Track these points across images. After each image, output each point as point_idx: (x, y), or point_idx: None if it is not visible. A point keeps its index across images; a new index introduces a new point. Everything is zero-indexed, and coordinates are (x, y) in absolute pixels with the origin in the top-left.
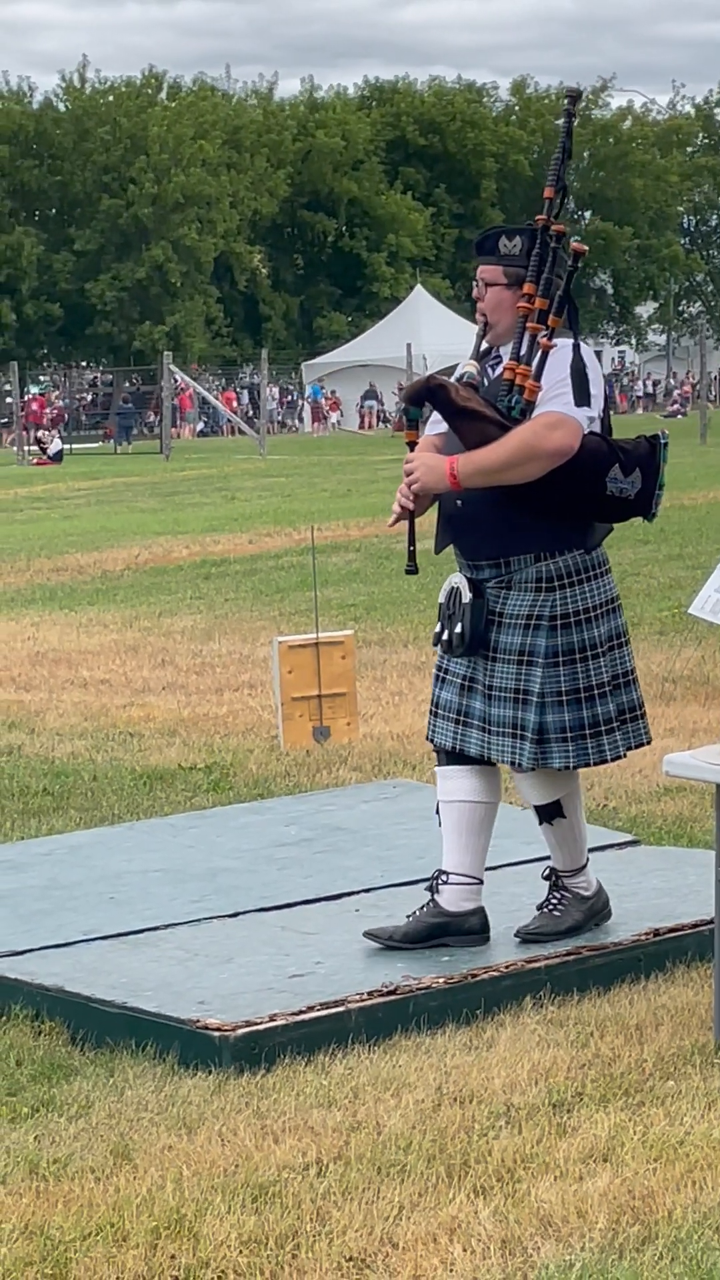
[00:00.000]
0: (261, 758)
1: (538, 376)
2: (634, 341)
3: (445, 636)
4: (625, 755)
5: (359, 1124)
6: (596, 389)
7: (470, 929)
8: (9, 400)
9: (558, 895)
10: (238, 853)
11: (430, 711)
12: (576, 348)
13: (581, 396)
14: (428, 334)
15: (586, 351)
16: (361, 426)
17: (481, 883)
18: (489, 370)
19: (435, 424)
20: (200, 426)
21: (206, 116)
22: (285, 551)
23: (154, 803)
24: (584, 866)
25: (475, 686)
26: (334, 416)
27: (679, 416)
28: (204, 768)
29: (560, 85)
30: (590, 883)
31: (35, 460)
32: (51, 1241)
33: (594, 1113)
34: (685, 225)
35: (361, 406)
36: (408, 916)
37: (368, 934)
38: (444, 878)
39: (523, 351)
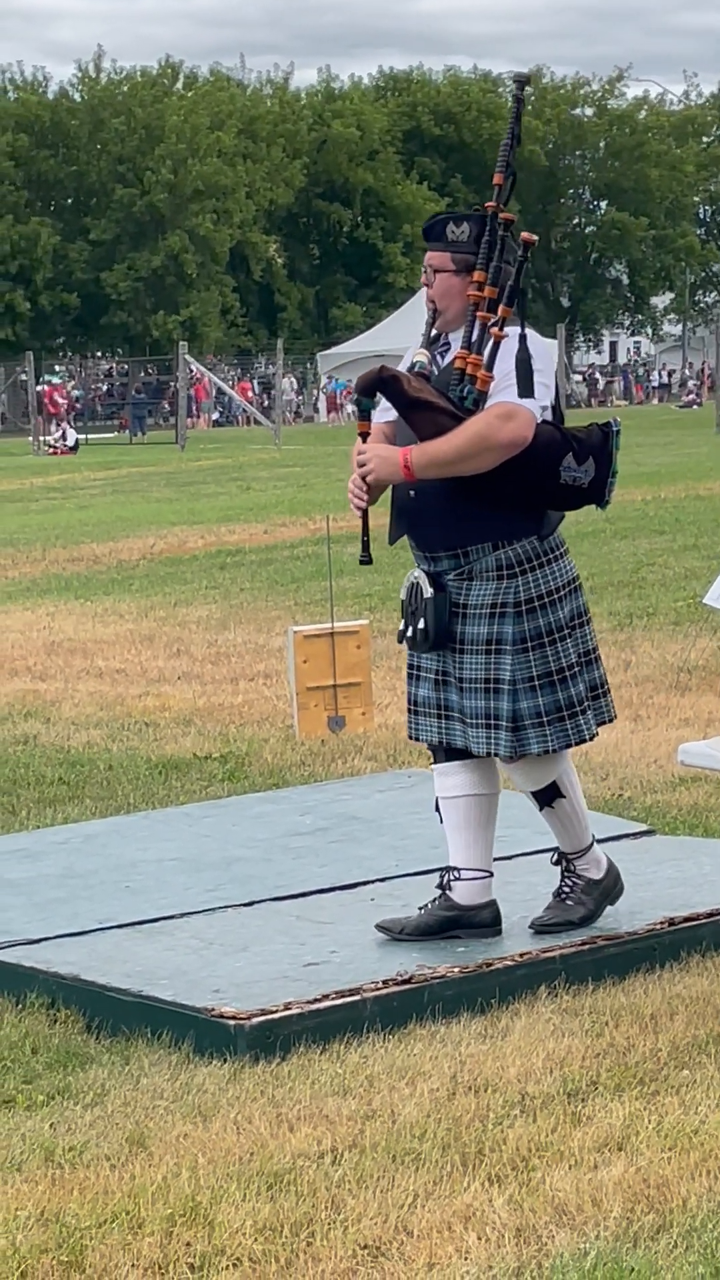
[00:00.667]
0: (277, 747)
1: (489, 366)
2: (650, 332)
3: (409, 633)
4: (597, 734)
5: (374, 1112)
6: (547, 378)
7: (482, 922)
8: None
9: (570, 882)
10: (253, 842)
11: (409, 710)
12: (523, 338)
13: (525, 388)
14: None
15: (535, 341)
16: None
17: (492, 875)
18: (439, 358)
19: (385, 411)
20: (215, 416)
21: (222, 107)
22: (300, 541)
23: (169, 792)
24: (590, 846)
25: (449, 680)
26: (350, 407)
27: (694, 407)
28: (219, 757)
29: (576, 75)
30: (599, 862)
31: (51, 450)
32: (67, 1229)
33: (609, 1102)
34: (701, 215)
35: None
36: (420, 909)
37: (379, 926)
38: (455, 874)
39: (473, 340)
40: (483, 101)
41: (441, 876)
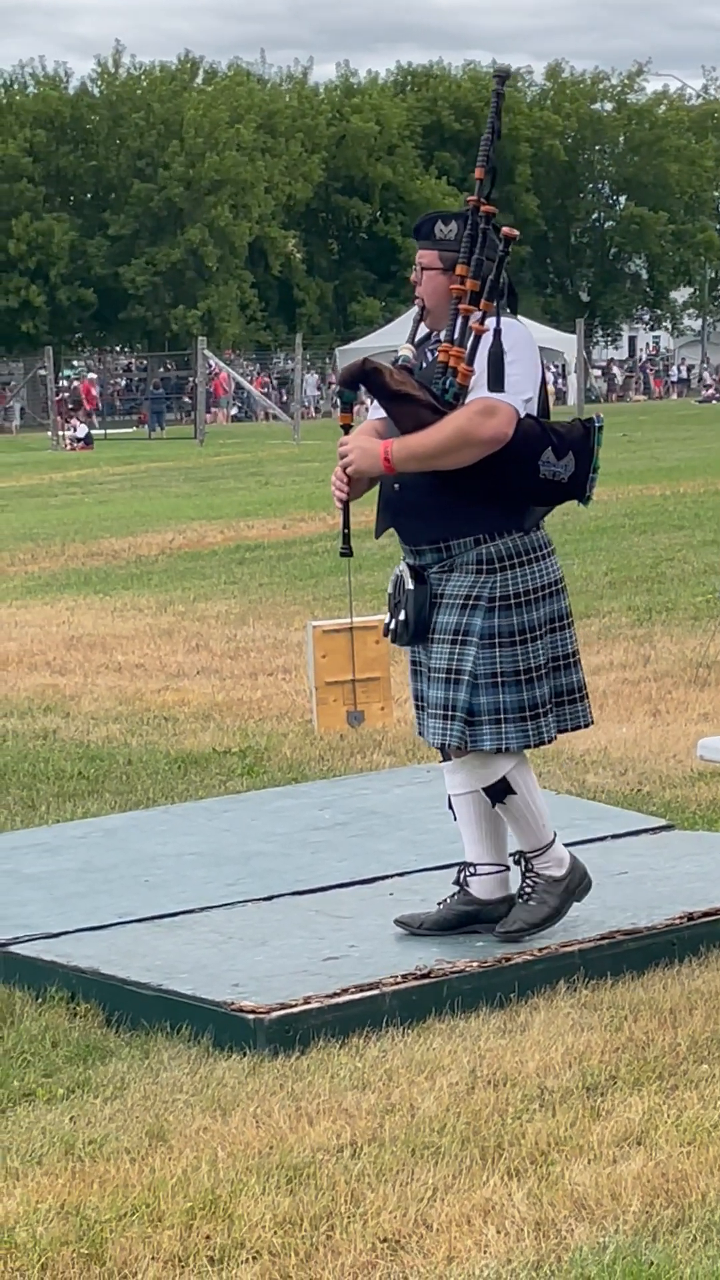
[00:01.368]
0: (296, 742)
1: (470, 360)
2: (669, 327)
3: (392, 625)
4: (556, 738)
5: (393, 1106)
6: (525, 371)
7: (501, 917)
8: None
9: (530, 882)
10: (272, 836)
11: (415, 706)
12: (498, 332)
13: (495, 382)
14: None
15: (513, 335)
16: None
17: (509, 869)
18: (427, 354)
19: (378, 409)
20: (234, 411)
21: (241, 101)
22: (319, 536)
23: (189, 786)
24: (550, 844)
25: (422, 671)
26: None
27: (714, 401)
28: (238, 752)
29: (595, 70)
30: (561, 860)
31: (69, 445)
32: (87, 1221)
33: (628, 1096)
34: None
35: None
36: (438, 904)
37: (398, 921)
38: (470, 870)
39: (456, 334)
40: None
41: (459, 873)
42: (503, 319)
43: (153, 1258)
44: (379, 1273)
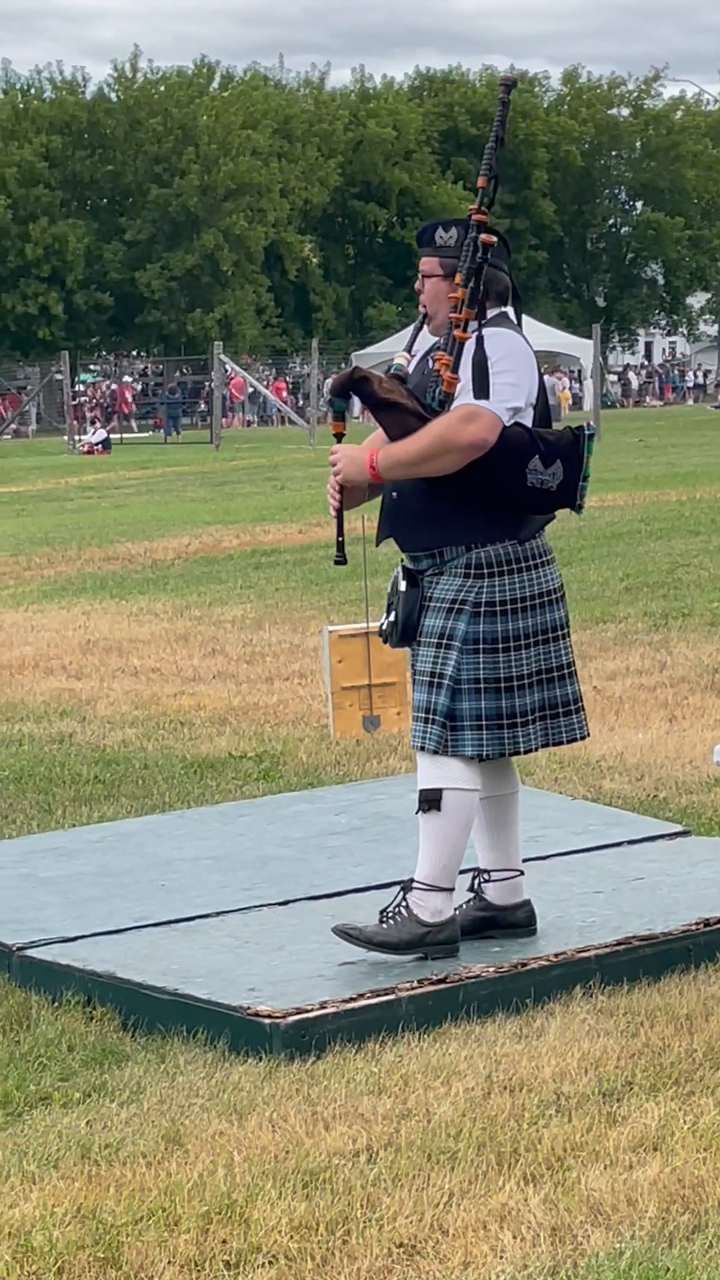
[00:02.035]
0: (312, 746)
1: (455, 368)
2: (685, 332)
3: (383, 627)
4: (538, 749)
5: (409, 1111)
6: (516, 380)
7: (517, 922)
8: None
9: (399, 907)
10: (288, 841)
11: None
12: (480, 340)
13: (480, 389)
14: None
15: (504, 344)
16: None
17: (522, 873)
18: (429, 362)
19: None
20: (250, 416)
21: (257, 106)
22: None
23: (205, 791)
24: (441, 890)
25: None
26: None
27: None
28: (254, 756)
29: (612, 75)
30: (438, 909)
31: (85, 448)
32: (104, 1225)
33: (644, 1102)
34: None
35: None
36: (455, 909)
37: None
38: (485, 876)
39: (445, 342)
40: (519, 102)
41: (473, 879)
42: (496, 328)
43: (169, 1262)
44: (395, 1278)
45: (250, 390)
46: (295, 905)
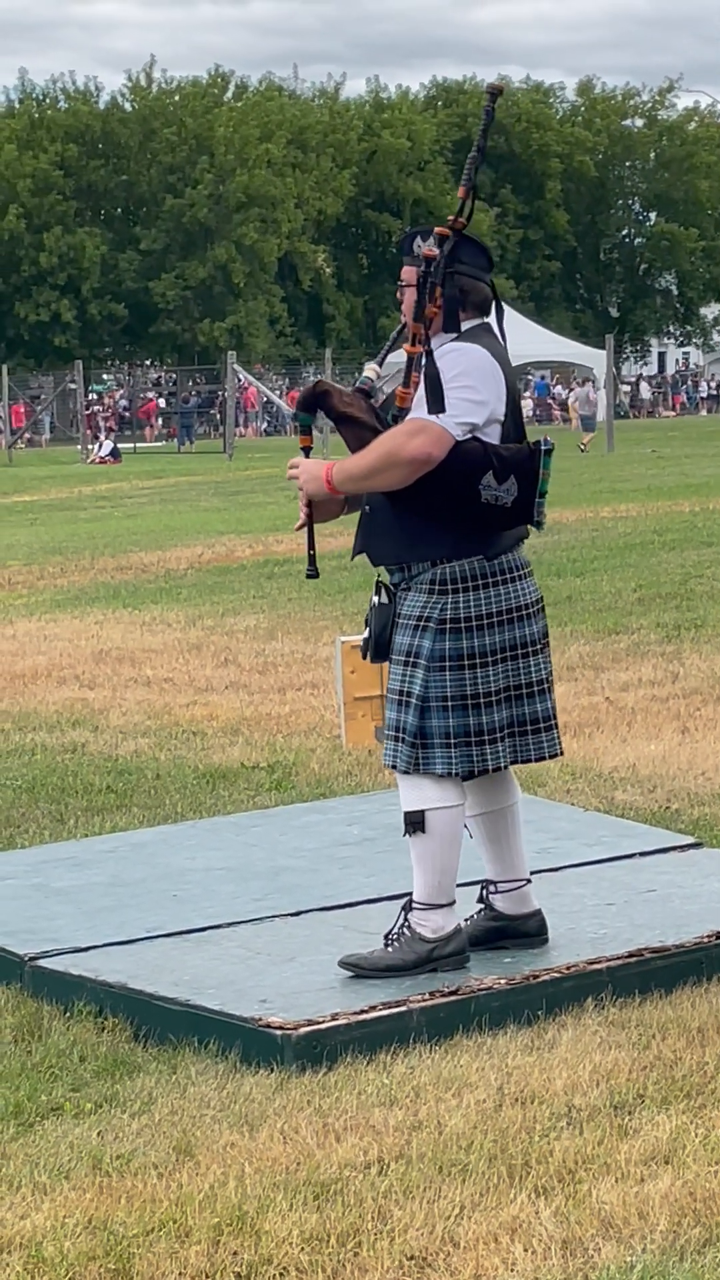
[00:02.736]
0: (324, 757)
1: (405, 382)
2: (699, 343)
3: (361, 642)
4: (507, 766)
5: (420, 1123)
6: (474, 396)
7: (528, 931)
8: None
9: (401, 928)
10: (300, 852)
11: None
12: (429, 354)
13: (433, 404)
14: None
15: (464, 359)
16: None
17: (530, 882)
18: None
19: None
20: (264, 426)
21: (272, 117)
22: (348, 551)
23: (217, 801)
24: (439, 907)
25: None
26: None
27: None
28: (266, 766)
29: (626, 85)
30: (440, 925)
31: (98, 459)
32: (115, 1236)
33: (655, 1115)
34: None
35: None
36: (464, 920)
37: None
38: (492, 887)
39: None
40: (532, 112)
41: (481, 890)
42: (460, 343)
43: (180, 1273)
44: None
45: (264, 400)
46: (307, 916)
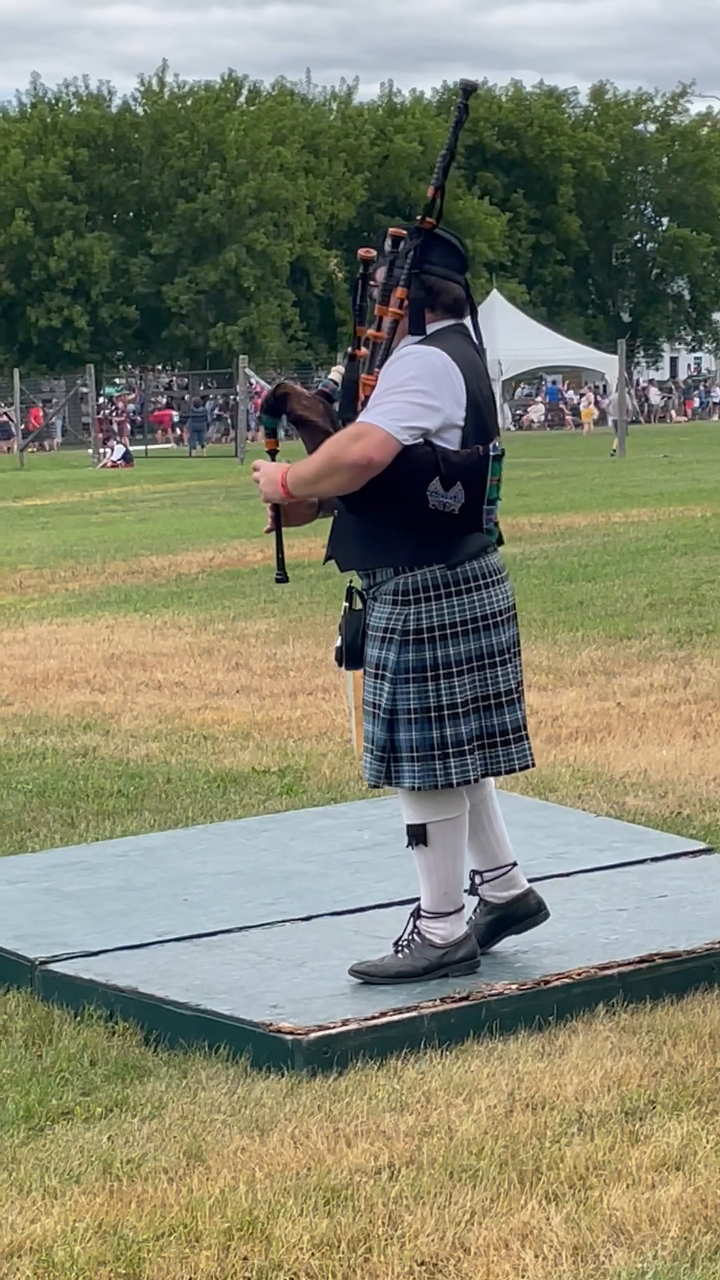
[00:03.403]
0: (335, 762)
1: (369, 369)
2: (712, 348)
3: (335, 651)
4: (478, 779)
5: (431, 1129)
6: (424, 400)
7: (528, 911)
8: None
9: (410, 936)
10: (311, 856)
11: None
12: (371, 359)
13: (374, 407)
14: (503, 338)
15: (411, 362)
16: None
17: (515, 864)
18: None
19: None
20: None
21: (284, 121)
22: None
23: (228, 805)
24: (447, 914)
25: None
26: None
27: None
28: (277, 771)
29: (639, 90)
30: (449, 932)
31: (110, 463)
32: (125, 1241)
33: (666, 1121)
34: None
35: None
36: (466, 923)
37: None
38: (479, 877)
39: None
40: (544, 117)
41: (470, 883)
42: (418, 346)
43: (190, 1278)
44: None
45: None
46: (318, 921)
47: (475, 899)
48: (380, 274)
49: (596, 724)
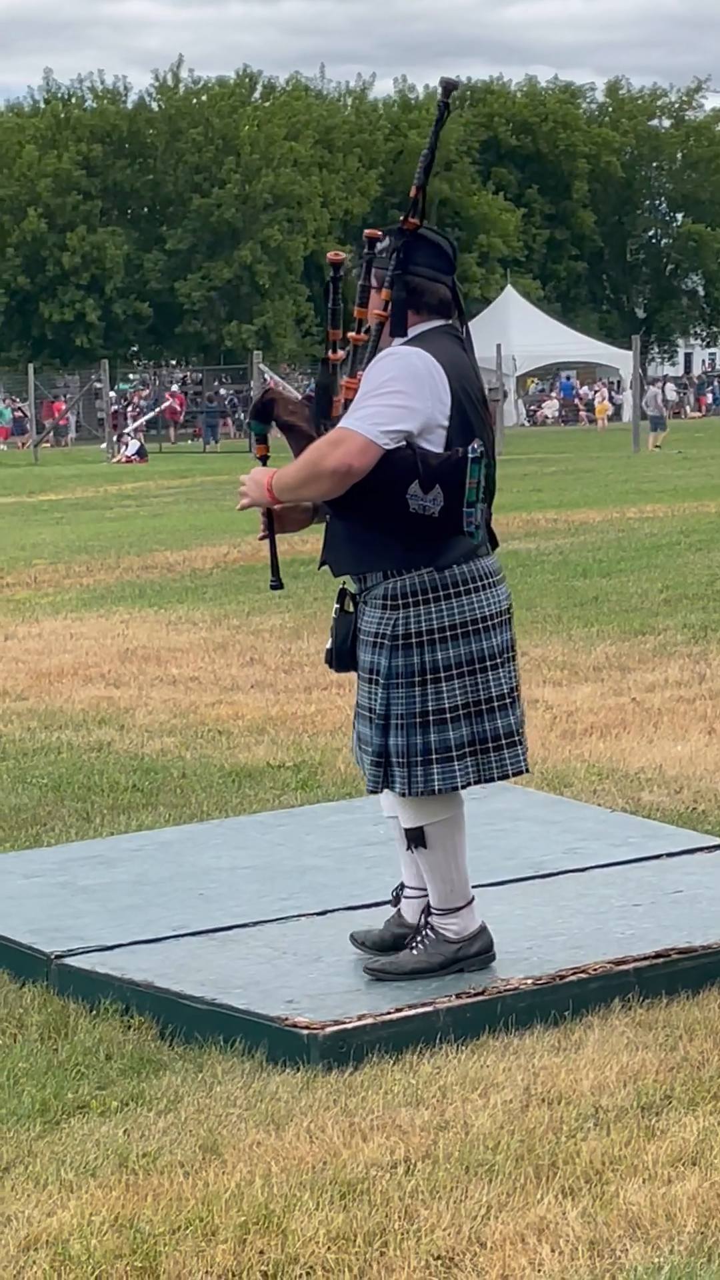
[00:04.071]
0: (349, 756)
1: (351, 372)
2: None
3: (325, 654)
4: (468, 786)
5: (447, 1123)
6: (404, 403)
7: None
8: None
9: (424, 933)
10: (326, 851)
11: None
12: (349, 362)
13: (353, 412)
14: (517, 334)
15: (390, 363)
16: None
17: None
18: None
19: None
20: None
21: (299, 117)
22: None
23: (243, 800)
24: (458, 909)
25: None
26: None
27: None
28: (292, 766)
29: (654, 86)
30: (461, 927)
31: (124, 458)
32: (141, 1235)
33: (682, 1116)
34: None
35: None
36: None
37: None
38: (401, 891)
39: (363, 360)
40: (559, 112)
41: (394, 892)
42: (403, 347)
43: (206, 1272)
44: None
45: None
46: (333, 915)
47: (393, 909)
48: (359, 276)
49: (612, 719)
